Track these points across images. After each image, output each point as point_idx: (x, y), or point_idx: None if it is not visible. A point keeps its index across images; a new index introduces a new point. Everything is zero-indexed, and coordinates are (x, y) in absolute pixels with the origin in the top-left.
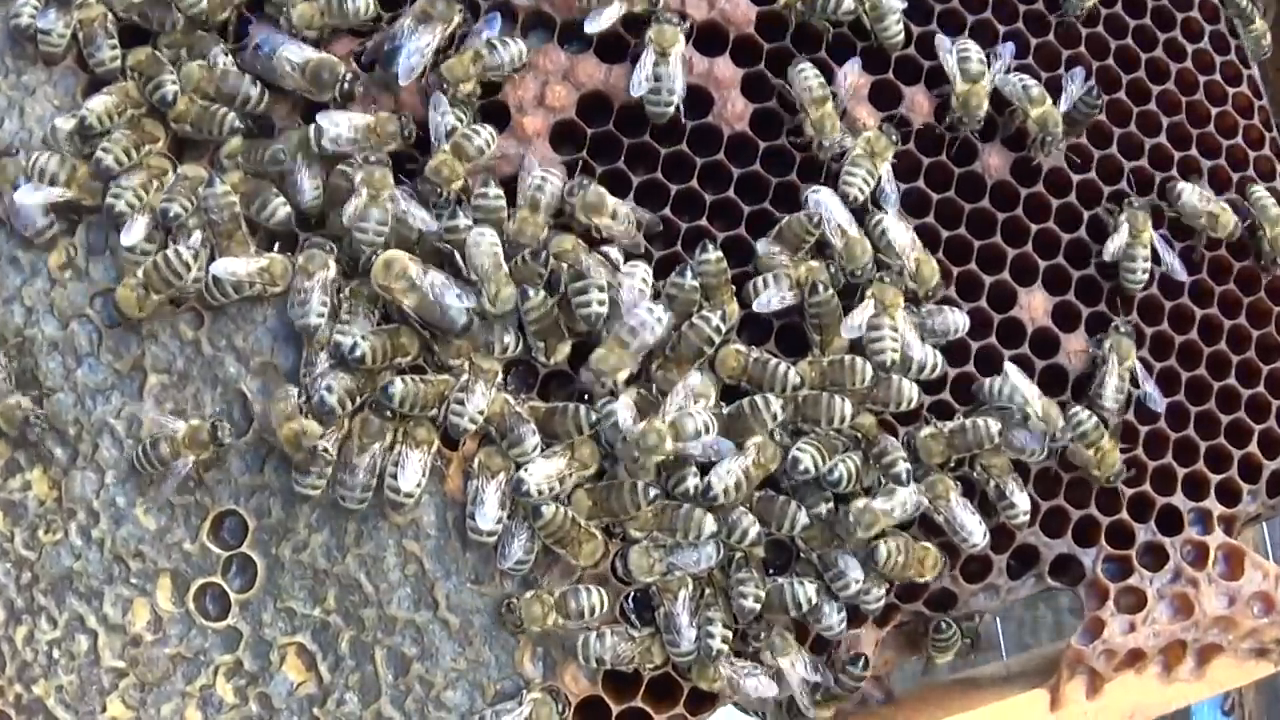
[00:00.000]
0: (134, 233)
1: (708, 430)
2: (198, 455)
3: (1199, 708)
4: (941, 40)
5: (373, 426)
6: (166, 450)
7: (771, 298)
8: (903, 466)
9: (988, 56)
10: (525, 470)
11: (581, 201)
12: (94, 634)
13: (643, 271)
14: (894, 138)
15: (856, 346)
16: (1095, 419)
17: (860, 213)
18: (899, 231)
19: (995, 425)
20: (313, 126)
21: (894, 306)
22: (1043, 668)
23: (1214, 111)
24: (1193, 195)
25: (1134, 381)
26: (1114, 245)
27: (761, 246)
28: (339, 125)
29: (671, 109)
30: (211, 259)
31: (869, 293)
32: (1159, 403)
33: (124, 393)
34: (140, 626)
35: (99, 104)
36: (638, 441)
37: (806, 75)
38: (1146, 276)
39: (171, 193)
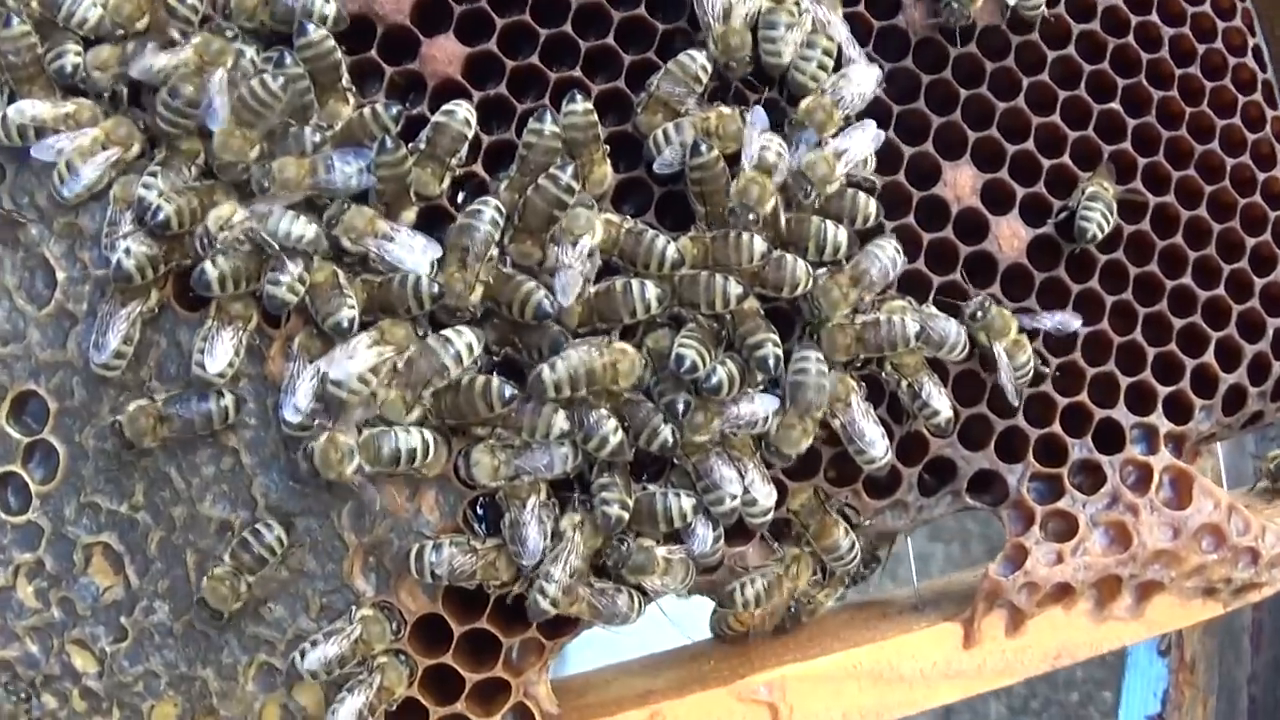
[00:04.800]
0: None
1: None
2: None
3: (1134, 646)
4: None
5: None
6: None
7: (674, 158)
8: (770, 350)
9: None
10: (334, 364)
11: (344, 223)
12: None
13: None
14: None
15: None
16: (997, 308)
17: None
18: None
19: (914, 326)
20: None
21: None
22: (959, 598)
23: None
24: None
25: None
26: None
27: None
28: None
29: None
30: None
31: None
32: None
33: None
34: None
35: None
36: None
37: None
38: (824, 75)
39: None
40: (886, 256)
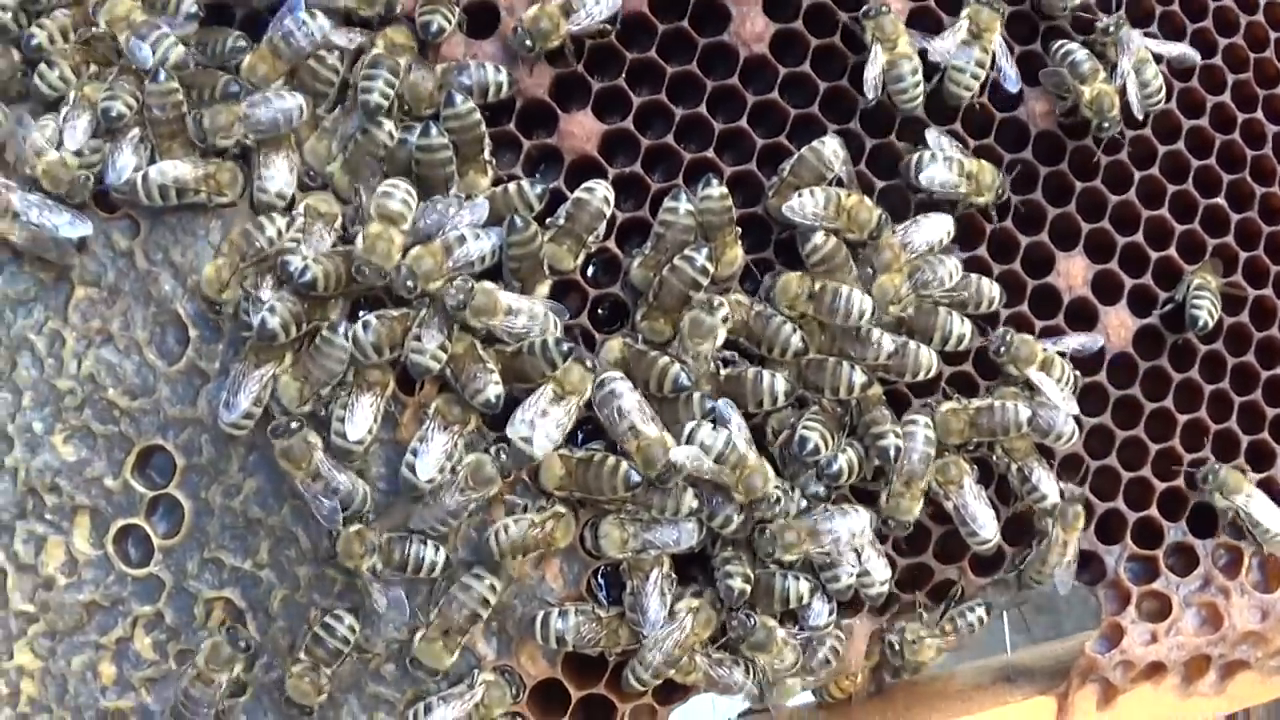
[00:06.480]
0: (77, 135)
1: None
2: None
3: None
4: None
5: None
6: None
7: (807, 205)
8: (891, 441)
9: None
10: (522, 425)
11: (472, 307)
12: (2, 573)
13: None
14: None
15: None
16: (1088, 52)
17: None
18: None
19: (1026, 411)
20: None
21: (989, 31)
22: (1050, 668)
23: None
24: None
25: None
26: (947, 44)
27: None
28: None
29: None
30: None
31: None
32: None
33: (47, 306)
34: (54, 568)
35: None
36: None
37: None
38: (976, 85)
39: (114, 88)
40: (920, 445)
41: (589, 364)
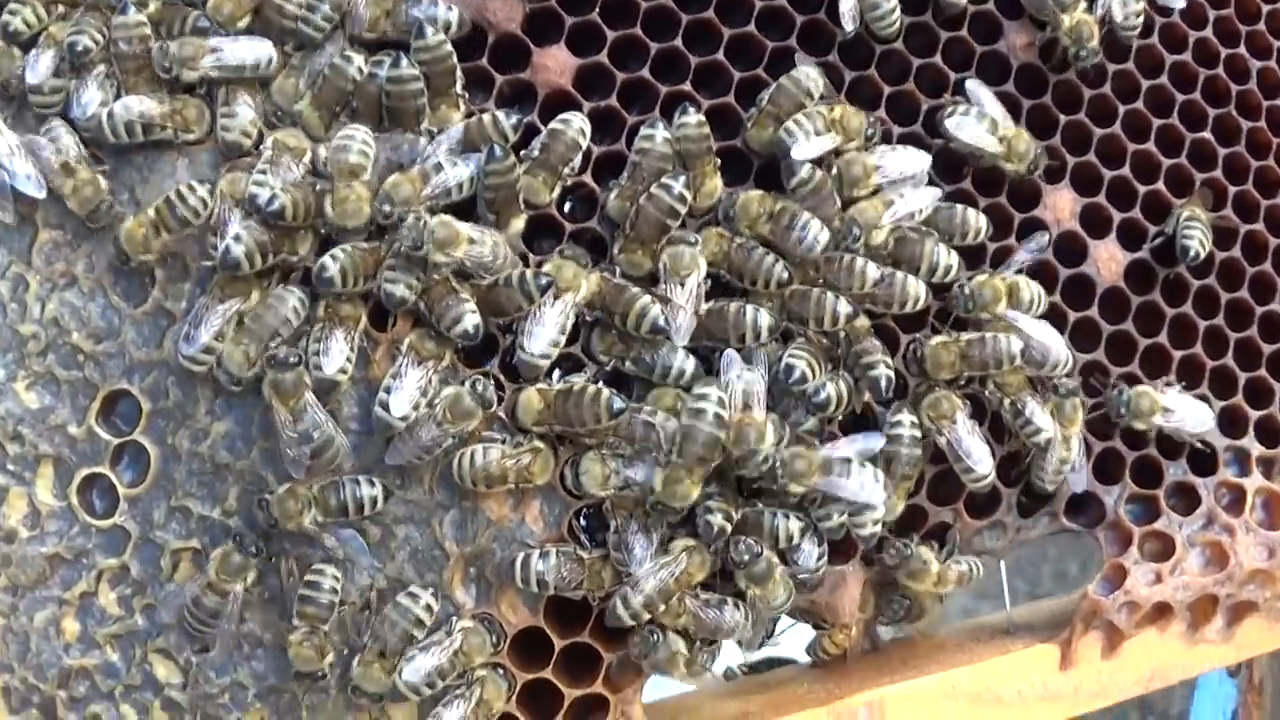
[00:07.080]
0: (40, 70)
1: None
2: None
3: None
4: None
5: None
6: None
7: (810, 146)
8: (882, 371)
9: None
10: (522, 340)
11: (435, 241)
12: None
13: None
14: None
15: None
16: (978, 282)
17: None
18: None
19: (1018, 343)
20: None
21: None
22: (1050, 621)
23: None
24: None
25: None
26: None
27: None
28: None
29: None
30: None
31: None
32: None
33: (10, 249)
34: (15, 520)
35: None
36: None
37: None
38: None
39: (80, 24)
40: (906, 447)
41: (581, 261)
